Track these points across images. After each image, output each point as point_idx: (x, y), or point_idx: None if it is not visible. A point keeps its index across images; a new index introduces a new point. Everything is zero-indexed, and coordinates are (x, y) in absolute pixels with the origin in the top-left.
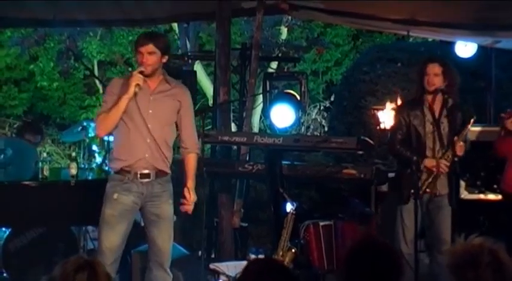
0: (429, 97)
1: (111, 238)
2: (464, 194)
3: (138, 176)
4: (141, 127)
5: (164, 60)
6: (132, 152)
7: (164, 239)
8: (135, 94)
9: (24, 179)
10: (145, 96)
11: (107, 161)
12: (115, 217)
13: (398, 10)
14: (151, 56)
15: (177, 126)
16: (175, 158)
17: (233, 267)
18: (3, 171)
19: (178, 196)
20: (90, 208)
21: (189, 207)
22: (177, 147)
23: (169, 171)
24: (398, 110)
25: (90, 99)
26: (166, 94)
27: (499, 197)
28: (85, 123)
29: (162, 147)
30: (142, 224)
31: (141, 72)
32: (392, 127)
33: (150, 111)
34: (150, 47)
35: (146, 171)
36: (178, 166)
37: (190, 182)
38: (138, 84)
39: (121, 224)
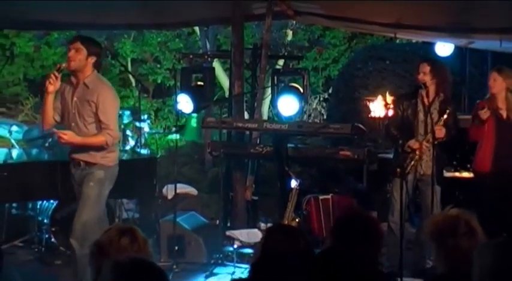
0: (423, 91)
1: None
2: (443, 173)
3: None
4: None
5: (91, 60)
6: None
7: None
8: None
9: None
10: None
11: (138, 144)
12: None
13: (387, 15)
14: (77, 52)
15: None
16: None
17: (245, 234)
18: (52, 152)
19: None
20: (124, 183)
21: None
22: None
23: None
24: (395, 101)
25: (124, 91)
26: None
27: (472, 175)
28: (120, 112)
29: None
30: (170, 197)
31: (57, 70)
32: (389, 115)
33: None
34: (77, 44)
35: None
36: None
37: None
38: (49, 82)
39: None
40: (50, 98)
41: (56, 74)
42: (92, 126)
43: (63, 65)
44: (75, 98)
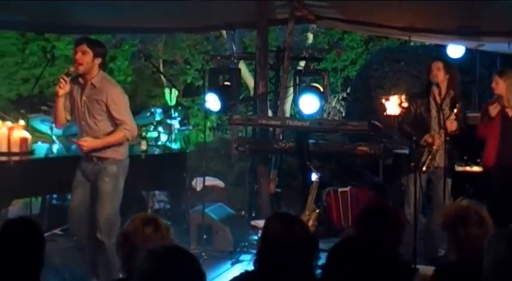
0: (435, 89)
1: None
2: (455, 167)
3: None
4: None
5: (97, 61)
6: None
7: None
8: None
9: None
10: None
11: (169, 140)
12: None
13: (401, 20)
14: (84, 55)
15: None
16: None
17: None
18: None
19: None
20: (157, 176)
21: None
22: (225, 128)
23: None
24: (408, 99)
25: (157, 90)
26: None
27: (481, 169)
28: (153, 110)
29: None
30: (198, 189)
31: (66, 74)
32: (403, 112)
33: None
34: (84, 47)
35: None
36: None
37: None
38: (59, 86)
39: None
40: (61, 101)
41: (65, 78)
42: (102, 123)
43: (71, 69)
44: (84, 98)
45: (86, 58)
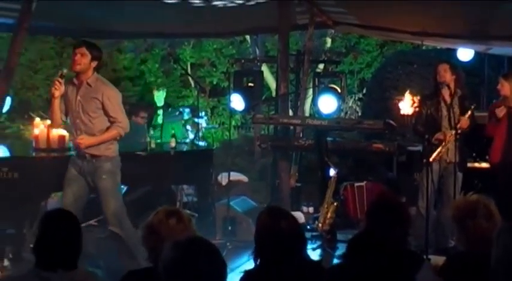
0: (443, 90)
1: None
2: (466, 162)
3: None
4: None
5: (93, 64)
6: None
7: None
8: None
9: (136, 150)
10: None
11: (197, 137)
12: None
13: (414, 25)
14: (82, 56)
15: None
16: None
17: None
18: (122, 144)
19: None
20: (185, 171)
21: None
22: (249, 127)
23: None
24: (420, 102)
25: (185, 91)
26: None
27: (489, 165)
28: (181, 109)
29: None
30: (224, 183)
31: (60, 76)
32: (415, 114)
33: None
34: (83, 49)
35: None
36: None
37: None
38: (55, 88)
39: None
40: (56, 102)
41: (60, 80)
42: (96, 121)
43: (65, 71)
44: (78, 97)
45: (84, 60)
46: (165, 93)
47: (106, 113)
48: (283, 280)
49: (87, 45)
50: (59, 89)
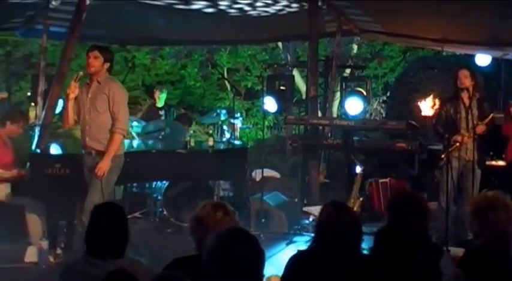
0: (462, 93)
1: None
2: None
3: None
4: None
5: (106, 66)
6: None
7: None
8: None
9: (177, 148)
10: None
11: (233, 137)
12: None
13: (436, 32)
14: (95, 59)
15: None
16: (281, 136)
17: (319, 209)
18: (164, 142)
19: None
20: (222, 168)
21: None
22: (281, 127)
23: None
24: (440, 104)
25: (222, 94)
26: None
27: (505, 163)
28: (218, 111)
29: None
30: (258, 179)
31: (75, 79)
32: (436, 116)
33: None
34: (96, 52)
35: None
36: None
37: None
38: (71, 90)
39: None
40: (70, 103)
41: (74, 83)
42: (103, 116)
43: (80, 74)
44: (89, 95)
45: (97, 62)
46: (165, 95)
47: (109, 108)
48: (334, 263)
49: (99, 48)
50: (73, 91)
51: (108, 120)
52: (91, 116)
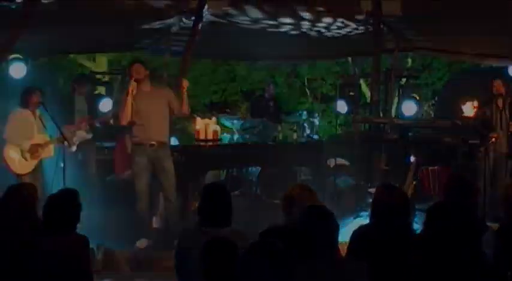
0: (496, 99)
1: None
2: None
3: None
4: None
5: (147, 73)
6: None
7: None
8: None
9: (268, 141)
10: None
11: (312, 132)
12: None
13: (475, 49)
14: (140, 69)
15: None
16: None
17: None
18: (259, 136)
19: None
20: (304, 157)
21: None
22: (350, 125)
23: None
24: (478, 107)
25: (303, 98)
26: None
27: None
28: (300, 112)
29: None
30: (331, 166)
31: (135, 81)
32: (475, 116)
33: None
34: (139, 65)
35: None
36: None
37: None
38: (132, 89)
39: None
40: (129, 101)
41: (135, 84)
42: (165, 114)
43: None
44: (146, 99)
45: (142, 72)
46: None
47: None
48: (385, 235)
49: (141, 61)
50: (131, 93)
51: (165, 111)
52: (154, 115)
